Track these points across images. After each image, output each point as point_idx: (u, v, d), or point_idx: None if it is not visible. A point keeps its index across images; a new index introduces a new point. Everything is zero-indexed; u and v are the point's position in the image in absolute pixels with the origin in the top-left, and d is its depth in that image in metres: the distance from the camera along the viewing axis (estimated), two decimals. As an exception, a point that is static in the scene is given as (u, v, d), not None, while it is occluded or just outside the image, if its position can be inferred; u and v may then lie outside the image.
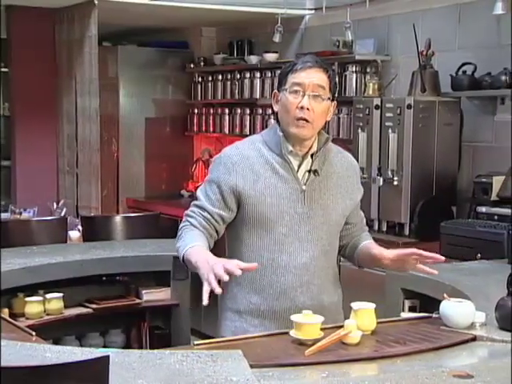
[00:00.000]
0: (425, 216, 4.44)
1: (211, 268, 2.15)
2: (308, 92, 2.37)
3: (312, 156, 2.45)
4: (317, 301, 2.43)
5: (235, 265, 2.16)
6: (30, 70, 6.22)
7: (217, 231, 2.45)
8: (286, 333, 2.15)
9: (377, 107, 4.64)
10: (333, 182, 2.48)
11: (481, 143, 4.69)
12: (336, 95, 2.47)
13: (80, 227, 4.55)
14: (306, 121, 2.37)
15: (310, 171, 2.44)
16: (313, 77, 2.37)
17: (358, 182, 2.59)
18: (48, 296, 3.36)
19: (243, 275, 2.41)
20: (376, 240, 5.02)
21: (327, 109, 2.42)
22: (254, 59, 6.26)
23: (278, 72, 2.70)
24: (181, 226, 2.46)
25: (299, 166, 2.44)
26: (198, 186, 6.72)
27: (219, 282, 2.16)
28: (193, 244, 2.34)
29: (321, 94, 2.38)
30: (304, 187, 2.42)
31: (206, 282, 2.14)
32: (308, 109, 2.36)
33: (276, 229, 2.40)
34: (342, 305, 2.56)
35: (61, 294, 3.39)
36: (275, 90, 2.49)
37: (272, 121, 5.74)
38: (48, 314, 3.36)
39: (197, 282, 2.41)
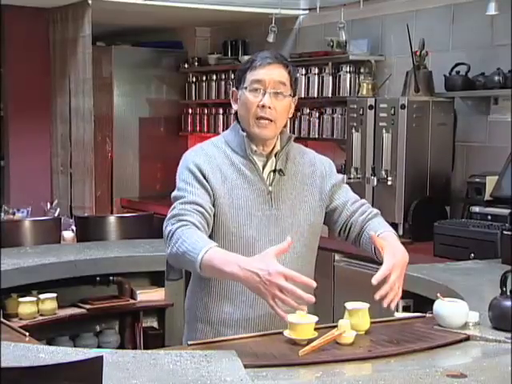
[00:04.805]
0: (419, 216, 4.45)
1: (269, 281, 1.95)
2: (268, 89, 2.27)
3: (276, 155, 2.36)
4: None
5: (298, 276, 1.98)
6: (23, 70, 6.20)
7: (209, 228, 2.26)
8: (280, 333, 2.15)
9: (371, 107, 4.65)
10: (298, 180, 2.39)
11: (474, 143, 4.70)
12: (297, 91, 2.36)
13: (74, 227, 4.54)
14: (269, 120, 2.28)
15: (274, 171, 2.35)
16: (273, 73, 2.27)
17: (330, 174, 2.44)
18: (41, 296, 3.35)
19: (214, 283, 2.31)
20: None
21: (289, 106, 2.34)
22: (248, 59, 6.26)
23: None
24: (173, 227, 2.19)
25: (264, 167, 2.35)
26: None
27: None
28: (209, 245, 2.09)
29: (282, 91, 2.29)
30: (270, 188, 2.34)
31: (271, 298, 1.96)
32: (270, 107, 2.27)
33: (246, 232, 2.29)
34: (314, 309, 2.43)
35: (54, 295, 3.38)
36: (233, 89, 2.38)
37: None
38: (41, 315, 3.34)
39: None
